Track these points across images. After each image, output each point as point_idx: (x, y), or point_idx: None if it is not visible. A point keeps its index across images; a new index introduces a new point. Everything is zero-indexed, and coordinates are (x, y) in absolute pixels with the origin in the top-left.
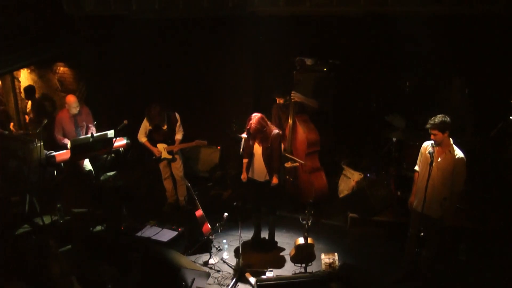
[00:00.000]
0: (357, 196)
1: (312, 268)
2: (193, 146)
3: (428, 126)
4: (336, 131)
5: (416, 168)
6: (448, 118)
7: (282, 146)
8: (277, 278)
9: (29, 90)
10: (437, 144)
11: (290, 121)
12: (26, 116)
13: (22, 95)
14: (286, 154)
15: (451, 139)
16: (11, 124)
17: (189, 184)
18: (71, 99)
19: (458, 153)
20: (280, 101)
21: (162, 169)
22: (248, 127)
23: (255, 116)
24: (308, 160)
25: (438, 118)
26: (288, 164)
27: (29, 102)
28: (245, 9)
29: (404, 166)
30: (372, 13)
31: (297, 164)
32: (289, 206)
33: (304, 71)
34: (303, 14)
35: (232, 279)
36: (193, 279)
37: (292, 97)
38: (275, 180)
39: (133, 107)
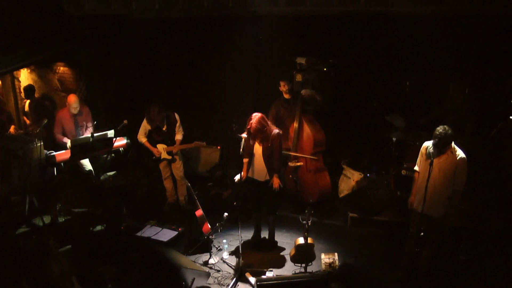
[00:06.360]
0: (357, 196)
1: (312, 268)
2: (192, 147)
3: (441, 148)
4: (336, 130)
5: (416, 168)
6: (449, 129)
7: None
8: (277, 278)
9: (29, 89)
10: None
11: (296, 120)
12: (25, 117)
13: (22, 95)
14: (291, 153)
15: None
16: (12, 127)
17: (189, 184)
18: (72, 98)
19: (460, 153)
20: (284, 87)
21: (162, 169)
22: (249, 126)
23: (256, 116)
24: (313, 160)
25: (446, 136)
26: (291, 163)
27: (27, 102)
28: (245, 9)
29: (405, 166)
30: (372, 13)
31: (301, 163)
32: (289, 206)
33: (308, 71)
34: (303, 14)
35: (232, 279)
36: (193, 279)
37: (303, 94)
38: (275, 180)
39: (133, 107)
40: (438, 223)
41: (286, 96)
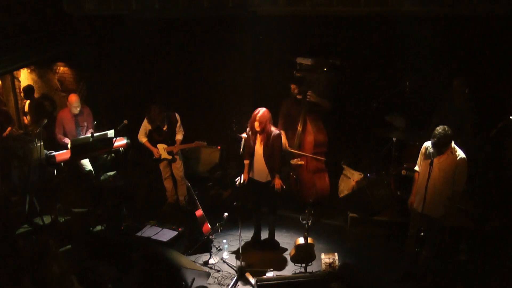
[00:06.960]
0: (357, 196)
1: (312, 268)
2: (192, 147)
3: (440, 148)
4: (336, 130)
5: (416, 168)
6: (449, 129)
7: (287, 142)
8: (277, 278)
9: (29, 90)
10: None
11: (301, 120)
12: (25, 117)
13: (22, 95)
14: (293, 150)
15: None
16: (9, 128)
17: (189, 184)
18: (73, 98)
19: (460, 153)
20: (295, 90)
21: (162, 169)
22: (256, 113)
23: (261, 109)
24: (314, 160)
25: (445, 136)
26: (293, 161)
27: (27, 102)
28: (245, 9)
29: (405, 166)
30: (372, 13)
31: (302, 162)
32: (289, 206)
33: (309, 71)
34: (303, 14)
35: (232, 279)
36: (193, 279)
37: (308, 97)
38: (277, 181)
39: (133, 107)
40: (438, 223)
41: (298, 97)
